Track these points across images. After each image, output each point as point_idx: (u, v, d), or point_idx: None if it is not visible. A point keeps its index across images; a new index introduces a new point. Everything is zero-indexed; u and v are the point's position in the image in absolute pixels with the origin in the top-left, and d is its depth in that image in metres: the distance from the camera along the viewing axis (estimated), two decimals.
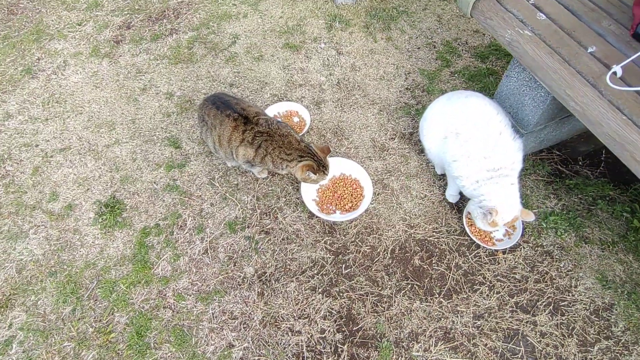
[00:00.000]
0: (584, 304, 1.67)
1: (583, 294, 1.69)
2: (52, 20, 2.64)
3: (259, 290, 1.72)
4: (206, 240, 1.83)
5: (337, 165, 1.96)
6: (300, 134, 2.08)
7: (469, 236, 1.81)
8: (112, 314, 1.69)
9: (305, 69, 2.36)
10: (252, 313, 1.67)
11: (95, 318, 1.68)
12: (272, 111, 2.15)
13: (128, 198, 1.96)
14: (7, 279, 1.78)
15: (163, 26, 2.56)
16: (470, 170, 1.62)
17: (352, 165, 1.96)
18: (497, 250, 1.79)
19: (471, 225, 1.82)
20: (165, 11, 2.64)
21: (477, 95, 1.73)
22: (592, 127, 1.37)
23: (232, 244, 1.83)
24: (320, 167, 1.72)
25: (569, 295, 1.69)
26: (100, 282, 1.76)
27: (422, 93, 2.27)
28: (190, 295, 1.71)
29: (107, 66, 2.41)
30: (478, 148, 1.59)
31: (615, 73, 1.36)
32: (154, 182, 2.00)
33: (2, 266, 1.81)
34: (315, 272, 1.76)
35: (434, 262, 1.78)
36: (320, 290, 1.71)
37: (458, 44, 2.48)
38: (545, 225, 1.85)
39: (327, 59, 2.40)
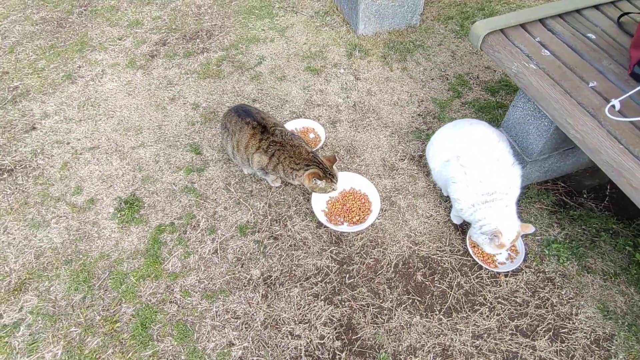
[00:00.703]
0: (585, 333, 1.66)
1: (584, 322, 1.69)
2: (96, 34, 2.88)
3: (263, 292, 1.76)
4: (217, 241, 1.91)
5: (348, 180, 2.05)
6: (315, 149, 2.19)
7: (471, 257, 1.85)
8: (120, 304, 1.75)
9: (324, 91, 2.51)
10: (254, 314, 1.71)
11: (103, 307, 1.74)
12: (290, 126, 2.27)
13: (147, 196, 2.06)
14: (24, 264, 1.87)
15: (196, 45, 2.78)
16: (467, 193, 1.69)
17: (362, 180, 2.05)
18: (499, 273, 1.81)
19: (474, 246, 1.86)
20: (199, 32, 2.87)
21: (482, 123, 1.83)
22: (592, 154, 1.44)
23: (242, 246, 1.89)
24: (327, 174, 1.81)
25: (569, 323, 1.69)
26: (112, 273, 1.83)
27: (433, 119, 2.39)
28: (196, 292, 1.77)
29: (141, 77, 2.60)
30: (475, 172, 1.67)
31: (613, 106, 1.45)
32: (173, 184, 2.11)
33: (22, 251, 1.90)
34: (319, 279, 1.80)
35: (436, 279, 1.81)
36: (322, 297, 1.75)
37: (470, 78, 2.61)
38: (547, 252, 1.88)
39: (345, 83, 2.55)
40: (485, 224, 1.66)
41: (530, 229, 1.67)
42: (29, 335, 1.68)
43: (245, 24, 2.90)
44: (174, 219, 1.99)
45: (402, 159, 2.21)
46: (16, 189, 2.11)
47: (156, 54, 2.74)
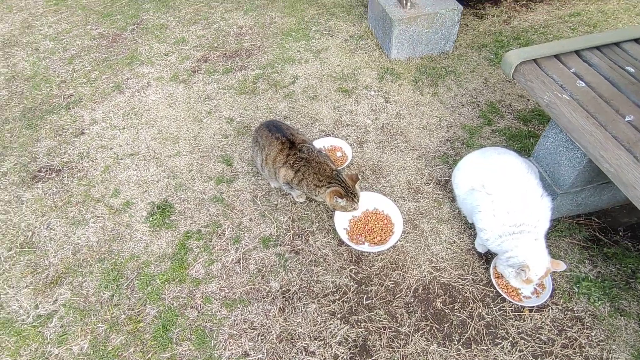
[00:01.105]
0: None
1: None
2: (145, 50, 3.11)
3: (281, 305, 1.79)
4: (240, 251, 1.96)
5: (372, 200, 2.06)
6: (340, 168, 2.23)
7: (495, 288, 1.80)
8: (145, 305, 1.82)
9: (353, 112, 2.57)
10: (270, 326, 1.73)
11: (129, 306, 1.82)
12: (318, 144, 2.33)
13: (178, 203, 2.16)
14: (62, 258, 1.99)
15: (235, 63, 2.93)
16: (493, 223, 1.66)
17: (386, 201, 2.06)
18: (523, 307, 1.75)
19: (498, 277, 1.81)
20: (239, 51, 3.03)
21: (510, 152, 1.81)
22: (626, 190, 1.39)
23: (263, 258, 1.94)
24: (349, 193, 1.83)
25: None
26: (139, 274, 1.92)
27: (461, 145, 2.37)
28: (216, 300, 1.82)
29: (182, 90, 2.77)
30: (503, 202, 1.64)
31: None
32: (203, 193, 2.20)
33: (62, 247, 2.04)
34: (337, 297, 1.81)
35: (456, 307, 1.77)
36: (339, 315, 1.75)
37: (502, 106, 2.59)
38: (577, 290, 1.79)
39: (375, 105, 2.60)
40: (513, 256, 1.62)
41: (561, 266, 1.61)
42: (60, 327, 1.77)
43: (282, 44, 3.04)
44: (202, 226, 2.07)
45: (427, 183, 2.21)
46: (62, 188, 2.28)
47: (198, 70, 2.91)
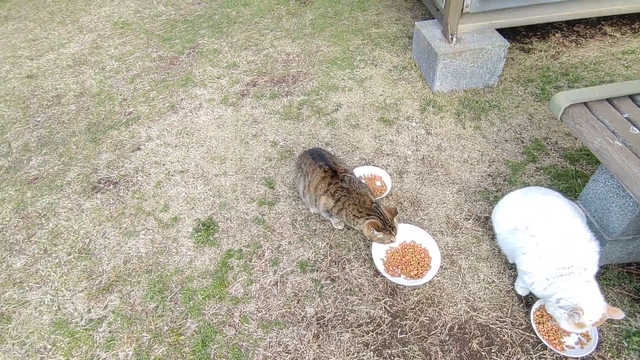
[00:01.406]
0: None
1: None
2: (199, 72, 3.32)
3: (315, 332, 1.82)
4: (278, 274, 2.03)
5: (410, 233, 2.08)
6: (379, 198, 2.27)
7: (535, 334, 1.74)
8: (186, 318, 1.92)
9: (394, 142, 2.61)
10: (304, 352, 1.77)
11: (171, 319, 1.92)
12: (358, 172, 2.39)
13: (222, 222, 2.28)
14: (114, 267, 2.14)
15: (281, 88, 3.07)
16: (539, 266, 1.62)
17: (424, 235, 2.06)
18: (566, 357, 1.68)
19: (539, 323, 1.76)
20: (285, 76, 3.17)
21: (555, 194, 1.77)
22: None
23: (300, 282, 1.99)
24: (387, 226, 1.86)
25: None
26: (183, 288, 2.02)
27: (503, 182, 2.35)
28: (253, 320, 1.88)
29: (231, 113, 2.93)
30: (549, 244, 1.61)
31: None
32: (246, 213, 2.30)
33: (114, 255, 2.19)
34: (371, 328, 1.82)
35: (493, 351, 1.73)
36: (372, 347, 1.76)
37: (547, 143, 2.55)
38: (627, 345, 1.71)
39: (416, 136, 2.63)
40: (564, 297, 1.54)
41: (619, 314, 1.52)
42: (109, 332, 1.90)
43: (327, 72, 3.16)
44: (243, 246, 2.16)
45: (467, 218, 2.19)
46: (118, 199, 2.46)
47: (246, 94, 3.07)
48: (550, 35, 3.35)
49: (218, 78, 3.25)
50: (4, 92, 3.53)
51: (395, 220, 1.91)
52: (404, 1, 3.81)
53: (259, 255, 2.11)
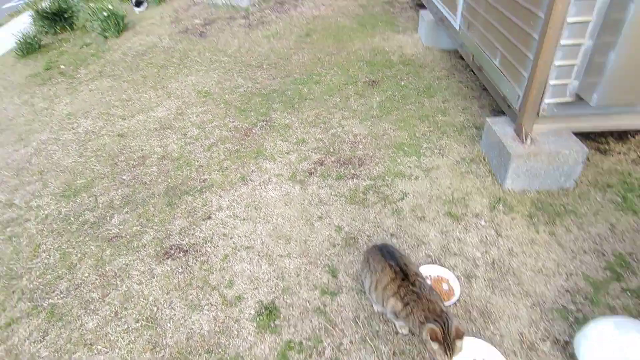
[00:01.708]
0: None
1: None
2: (270, 146, 3.54)
3: None
4: None
5: (479, 349, 1.95)
6: (448, 303, 2.18)
7: None
8: None
9: (462, 240, 2.55)
10: None
11: None
12: (424, 271, 2.33)
13: (284, 307, 2.28)
14: (177, 342, 2.19)
15: (347, 170, 3.17)
16: None
17: (495, 354, 1.93)
18: None
19: None
20: (352, 158, 3.29)
21: None
22: None
23: None
24: (446, 342, 1.73)
25: None
26: None
27: (584, 301, 2.18)
28: None
29: (298, 190, 3.05)
30: None
31: None
32: (308, 301, 2.30)
33: (178, 329, 2.25)
34: None
35: None
36: None
37: (633, 259, 2.36)
38: None
39: (485, 236, 2.56)
40: None
41: None
42: None
43: (393, 158, 3.23)
44: (303, 338, 2.13)
45: (543, 340, 2.04)
46: (186, 269, 2.57)
47: (314, 172, 3.20)
48: (629, 136, 3.23)
49: (287, 153, 3.43)
50: (96, 147, 3.95)
51: (457, 343, 1.78)
52: (470, 90, 3.90)
53: (319, 352, 2.07)
